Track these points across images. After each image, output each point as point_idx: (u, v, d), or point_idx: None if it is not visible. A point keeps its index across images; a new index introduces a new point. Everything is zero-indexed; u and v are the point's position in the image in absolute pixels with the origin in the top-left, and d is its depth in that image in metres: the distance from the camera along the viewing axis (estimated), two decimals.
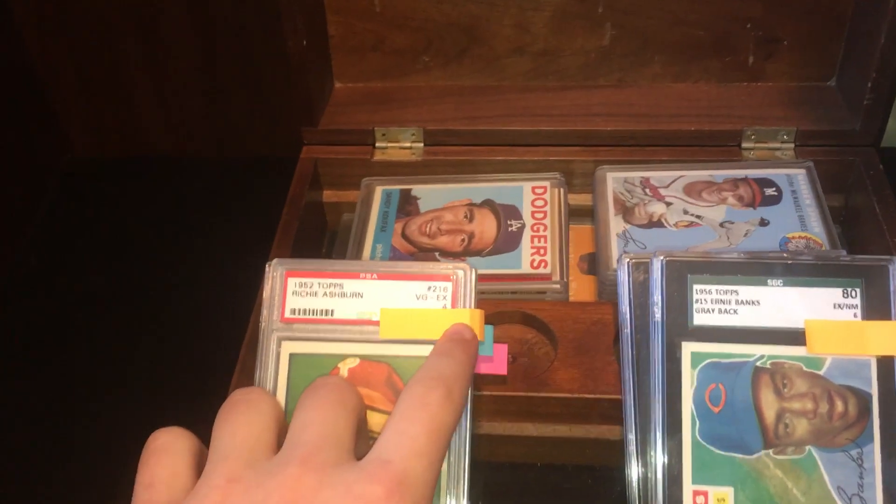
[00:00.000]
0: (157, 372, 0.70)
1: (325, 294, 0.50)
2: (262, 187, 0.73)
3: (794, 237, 0.58)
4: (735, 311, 0.46)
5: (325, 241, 0.70)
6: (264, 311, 0.50)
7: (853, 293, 0.46)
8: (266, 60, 0.82)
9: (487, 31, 0.68)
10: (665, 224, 0.60)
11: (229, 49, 0.82)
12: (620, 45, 0.68)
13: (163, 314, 0.75)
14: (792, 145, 0.65)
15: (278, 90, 0.83)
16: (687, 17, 0.66)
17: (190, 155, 0.90)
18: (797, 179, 0.62)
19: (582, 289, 0.62)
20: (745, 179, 0.62)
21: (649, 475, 0.45)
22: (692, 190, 0.62)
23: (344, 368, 0.49)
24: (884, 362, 0.45)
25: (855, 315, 0.45)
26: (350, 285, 0.49)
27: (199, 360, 0.70)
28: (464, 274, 0.48)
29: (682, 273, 0.47)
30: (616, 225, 0.61)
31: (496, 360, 0.49)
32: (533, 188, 0.65)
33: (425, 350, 0.48)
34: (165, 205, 0.84)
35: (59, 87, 0.87)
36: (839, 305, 0.46)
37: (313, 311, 0.49)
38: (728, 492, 0.44)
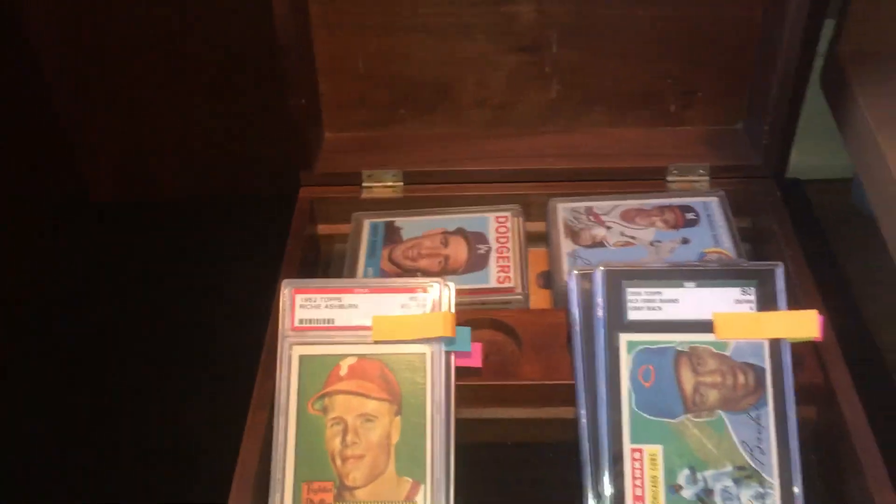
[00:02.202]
0: (188, 382, 0.79)
1: (326, 306, 0.62)
2: (260, 223, 0.84)
3: (709, 251, 0.71)
4: (660, 308, 0.59)
5: (321, 267, 0.81)
6: (278, 322, 0.61)
7: (749, 291, 0.59)
8: (259, 117, 0.92)
9: (453, 87, 0.81)
10: (606, 244, 0.73)
11: (233, 102, 0.93)
12: (566, 98, 0.81)
13: (187, 331, 0.84)
14: (707, 178, 0.78)
15: (272, 141, 0.94)
16: (620, 74, 0.79)
17: (198, 197, 1.00)
18: (712, 206, 0.75)
19: (539, 300, 0.74)
20: (669, 206, 0.75)
21: (599, 440, 0.57)
22: (627, 216, 0.75)
23: (344, 365, 0.60)
24: (774, 343, 0.58)
25: (751, 308, 0.58)
26: (347, 298, 0.62)
27: (224, 368, 0.79)
28: (438, 286, 0.60)
29: (618, 280, 0.59)
30: (566, 246, 0.73)
31: (473, 356, 0.61)
32: (496, 218, 0.77)
33: (410, 348, 0.60)
34: (177, 242, 0.95)
35: (82, 135, 0.96)
36: (739, 301, 0.59)
37: (317, 320, 0.61)
38: (658, 448, 0.56)
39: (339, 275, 0.76)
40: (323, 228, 0.81)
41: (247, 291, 0.70)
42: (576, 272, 0.61)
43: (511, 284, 0.71)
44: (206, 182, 1.00)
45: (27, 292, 0.90)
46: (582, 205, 0.77)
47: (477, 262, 0.73)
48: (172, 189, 1.00)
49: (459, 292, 0.68)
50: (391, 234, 0.77)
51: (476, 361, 0.61)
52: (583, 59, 0.78)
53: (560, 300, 0.70)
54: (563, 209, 0.76)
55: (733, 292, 0.59)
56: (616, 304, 0.59)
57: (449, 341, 0.60)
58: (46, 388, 0.81)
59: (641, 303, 0.59)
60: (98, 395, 0.80)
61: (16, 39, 0.89)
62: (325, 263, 0.82)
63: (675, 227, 0.74)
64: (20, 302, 0.89)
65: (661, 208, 0.75)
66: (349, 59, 0.79)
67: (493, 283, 0.72)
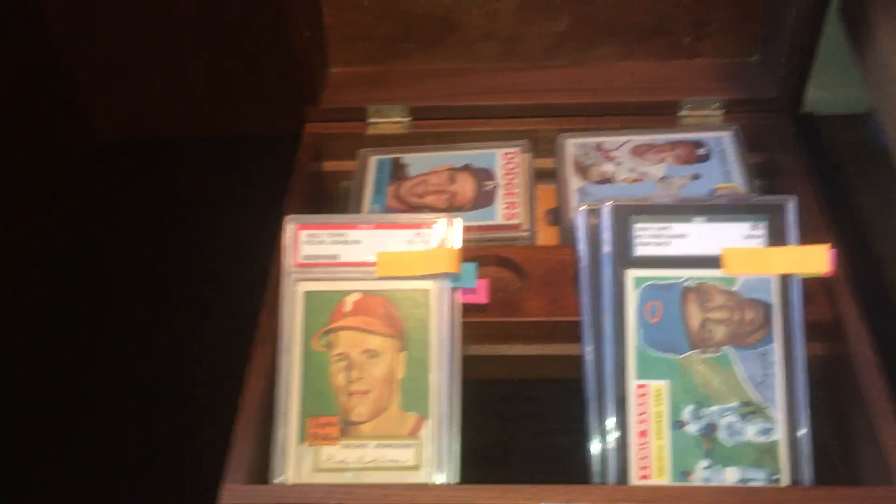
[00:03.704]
0: (192, 320, 0.80)
1: (331, 242, 0.61)
2: (267, 161, 0.83)
3: (720, 187, 0.70)
4: (668, 244, 0.58)
5: (326, 204, 0.80)
6: (283, 258, 0.61)
7: (759, 226, 0.58)
8: (267, 49, 0.91)
9: (460, 20, 0.79)
10: (615, 180, 0.72)
11: (235, 39, 0.91)
12: (575, 31, 0.79)
13: (191, 273, 0.84)
14: (720, 112, 0.76)
15: (278, 75, 0.93)
16: (631, 5, 0.77)
17: (200, 135, 0.99)
18: (724, 141, 0.73)
19: (547, 238, 0.73)
20: (681, 142, 0.74)
21: (604, 376, 0.57)
22: (637, 151, 0.74)
23: (349, 301, 0.60)
24: (783, 279, 0.57)
25: (761, 243, 0.57)
26: (351, 234, 0.61)
27: (227, 306, 0.79)
28: (443, 222, 0.60)
29: (626, 216, 0.58)
30: (575, 182, 0.72)
31: (479, 292, 0.61)
32: (504, 154, 0.76)
33: (414, 284, 0.60)
34: (184, 180, 0.94)
35: (82, 75, 0.95)
36: (748, 236, 0.58)
37: (322, 256, 0.61)
38: (664, 384, 0.56)
39: (344, 212, 0.75)
40: (329, 165, 0.80)
41: (252, 229, 0.70)
42: (583, 208, 0.60)
43: (518, 221, 0.70)
44: (210, 122, 0.99)
45: (30, 231, 0.90)
46: (591, 140, 0.75)
47: (484, 199, 0.73)
48: (176, 129, 0.99)
49: (466, 229, 0.67)
50: (397, 171, 0.76)
51: (482, 298, 0.61)
52: None
53: (568, 237, 0.69)
54: (573, 145, 0.75)
55: (743, 227, 0.58)
56: (623, 240, 0.58)
57: (454, 277, 0.60)
58: (49, 326, 0.81)
59: (649, 238, 0.58)
60: (99, 333, 0.80)
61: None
62: (331, 200, 0.81)
63: (687, 162, 0.72)
64: (24, 240, 0.89)
65: (672, 143, 0.74)
66: None
67: (499, 220, 0.71)
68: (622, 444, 0.55)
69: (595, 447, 0.56)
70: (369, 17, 0.79)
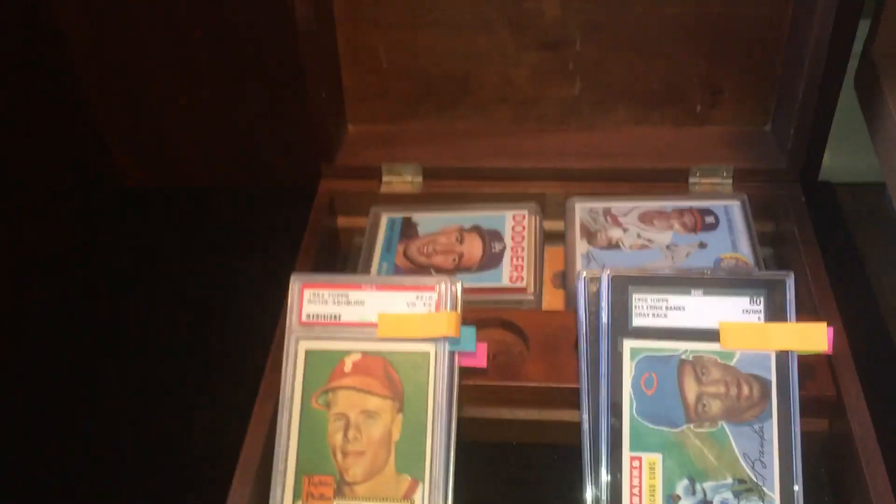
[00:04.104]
0: (200, 369, 0.81)
1: (333, 302, 0.62)
2: (284, 214, 0.84)
3: (726, 257, 0.70)
4: (665, 315, 0.58)
5: (340, 260, 0.82)
6: (286, 316, 0.62)
7: (758, 301, 0.58)
8: (291, 102, 0.93)
9: (476, 82, 0.80)
10: (622, 246, 0.72)
11: (256, 93, 0.94)
12: (589, 95, 0.80)
13: (203, 322, 0.86)
14: (731, 180, 0.77)
15: (298, 130, 0.95)
16: (644, 72, 0.78)
17: (223, 185, 1.02)
18: (732, 210, 0.74)
19: (555, 300, 0.74)
20: (689, 209, 0.74)
21: (599, 446, 0.57)
22: (645, 217, 0.74)
23: (348, 362, 0.61)
24: (781, 355, 0.57)
25: (759, 318, 0.57)
26: (354, 295, 0.62)
27: (238, 357, 0.80)
28: (445, 285, 0.61)
29: (624, 285, 0.59)
30: (581, 247, 0.73)
31: (478, 356, 0.62)
32: (513, 216, 0.77)
33: (414, 346, 0.60)
34: (201, 229, 0.96)
35: (110, 122, 0.98)
36: (746, 311, 0.58)
37: (324, 315, 0.62)
38: (657, 457, 0.56)
39: (356, 268, 0.76)
40: (343, 221, 0.82)
41: (265, 283, 0.71)
42: (584, 275, 0.60)
43: (523, 284, 0.71)
44: (233, 173, 1.01)
45: (49, 271, 0.93)
46: (600, 205, 0.76)
47: (491, 261, 0.73)
48: (200, 178, 1.02)
49: (472, 290, 0.68)
50: (408, 230, 0.77)
51: (481, 362, 0.62)
52: (607, 57, 0.77)
53: (572, 302, 0.70)
54: (581, 209, 0.76)
55: (741, 301, 0.58)
56: (621, 310, 0.58)
57: (453, 341, 0.60)
58: (56, 373, 0.83)
59: (647, 309, 0.58)
60: (106, 381, 0.81)
61: (48, 33, 0.91)
62: (344, 256, 0.82)
63: (694, 230, 0.72)
64: (40, 280, 0.91)
65: (680, 211, 0.74)
66: (372, 53, 0.79)
67: (505, 283, 0.71)
68: None
69: None
70: (388, 77, 0.81)
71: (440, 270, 0.73)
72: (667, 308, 0.58)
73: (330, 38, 0.77)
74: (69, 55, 0.93)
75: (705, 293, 0.58)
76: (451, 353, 0.60)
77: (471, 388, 0.63)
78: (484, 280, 0.72)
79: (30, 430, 0.78)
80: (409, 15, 0.77)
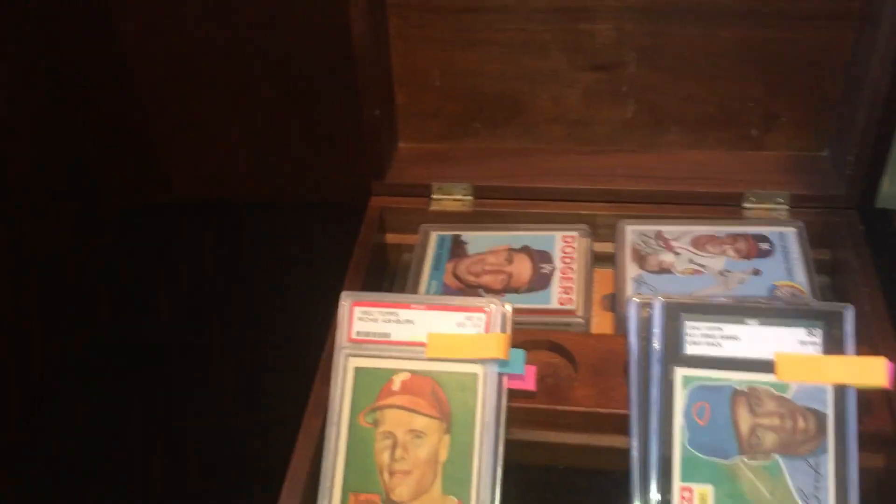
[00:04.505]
0: (246, 381, 0.82)
1: (383, 320, 0.62)
2: (334, 229, 0.85)
3: (781, 285, 0.68)
4: (720, 344, 0.57)
5: (388, 277, 0.82)
6: (336, 332, 0.63)
7: (815, 332, 0.56)
8: (340, 120, 0.94)
9: (528, 102, 0.80)
10: (673, 271, 0.72)
11: (310, 109, 0.96)
12: (641, 118, 0.80)
13: (250, 334, 0.87)
14: (786, 207, 0.75)
15: (350, 145, 0.96)
16: (699, 96, 0.77)
17: (273, 199, 1.03)
18: (788, 237, 0.72)
19: (603, 324, 0.73)
20: (743, 235, 0.73)
21: (648, 474, 0.56)
22: (698, 242, 0.73)
23: (397, 380, 0.61)
24: (839, 389, 0.55)
25: (816, 350, 0.56)
26: (404, 314, 0.62)
27: (284, 371, 0.81)
28: (495, 307, 0.60)
29: (677, 312, 0.58)
30: (632, 270, 0.72)
31: (527, 379, 0.61)
32: (563, 237, 0.77)
33: (463, 367, 0.60)
34: (252, 242, 0.97)
35: (165, 132, 1.00)
36: (803, 342, 0.56)
37: (374, 333, 0.62)
38: (709, 489, 0.55)
39: (404, 285, 0.76)
40: (392, 238, 0.82)
41: (313, 297, 0.72)
42: (635, 300, 0.60)
43: (572, 307, 0.70)
44: (279, 185, 1.03)
45: (93, 275, 0.94)
46: (652, 228, 0.75)
47: (540, 282, 0.73)
48: (247, 190, 1.03)
49: (520, 311, 0.68)
50: (457, 248, 0.77)
51: (529, 385, 0.61)
52: (661, 79, 0.77)
53: (622, 326, 0.69)
54: (632, 232, 0.75)
55: (798, 332, 0.57)
56: (674, 337, 0.58)
57: (502, 363, 0.60)
58: (109, 383, 0.84)
59: (700, 337, 0.57)
60: (154, 392, 0.82)
61: (110, 43, 0.93)
62: (392, 273, 0.83)
63: (748, 256, 0.71)
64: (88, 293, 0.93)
65: (734, 236, 0.73)
66: (425, 72, 0.79)
67: (554, 304, 0.71)
68: None
69: None
70: (441, 96, 0.81)
71: (489, 290, 0.73)
72: (721, 337, 0.57)
73: (384, 57, 0.77)
74: (129, 65, 0.95)
75: (761, 323, 0.57)
76: (500, 375, 0.60)
77: (518, 410, 0.62)
78: (532, 301, 0.71)
79: (99, 438, 0.79)
80: (463, 35, 0.77)
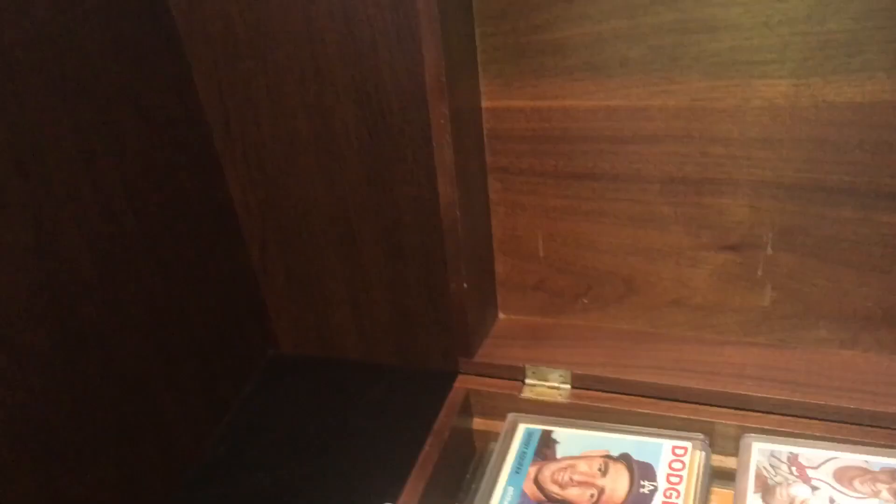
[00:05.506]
0: None
1: None
2: (430, 396, 0.77)
3: None
4: None
5: (473, 464, 0.72)
6: None
7: None
8: (444, 285, 0.88)
9: (646, 282, 0.70)
10: None
11: (413, 276, 0.91)
12: (782, 308, 0.67)
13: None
14: None
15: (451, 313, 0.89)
16: (852, 287, 0.64)
17: (372, 360, 0.98)
18: None
19: None
20: None
21: None
22: (843, 476, 0.58)
23: None
24: None
25: None
26: None
27: None
28: None
29: None
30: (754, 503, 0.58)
31: None
32: (673, 448, 0.64)
33: None
34: (351, 401, 0.92)
35: (271, 289, 0.99)
36: None
37: None
38: None
39: (480, 481, 0.66)
40: (479, 423, 0.73)
41: (389, 474, 0.64)
42: None
43: None
44: (382, 348, 0.97)
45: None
46: (785, 449, 0.61)
47: (637, 503, 0.61)
48: (354, 352, 0.99)
49: None
50: (544, 447, 0.66)
51: None
52: (806, 265, 0.64)
53: None
54: (759, 451, 0.61)
55: None
56: None
57: None
58: None
59: None
60: None
61: (223, 207, 0.94)
62: (479, 459, 0.73)
63: None
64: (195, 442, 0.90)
65: (894, 472, 0.58)
66: (528, 241, 0.72)
67: None
68: None
69: None
70: (545, 268, 0.73)
71: None
72: None
73: (481, 225, 0.70)
74: (239, 226, 0.95)
75: None
76: None
77: None
78: None
79: None
80: (572, 203, 0.69)
